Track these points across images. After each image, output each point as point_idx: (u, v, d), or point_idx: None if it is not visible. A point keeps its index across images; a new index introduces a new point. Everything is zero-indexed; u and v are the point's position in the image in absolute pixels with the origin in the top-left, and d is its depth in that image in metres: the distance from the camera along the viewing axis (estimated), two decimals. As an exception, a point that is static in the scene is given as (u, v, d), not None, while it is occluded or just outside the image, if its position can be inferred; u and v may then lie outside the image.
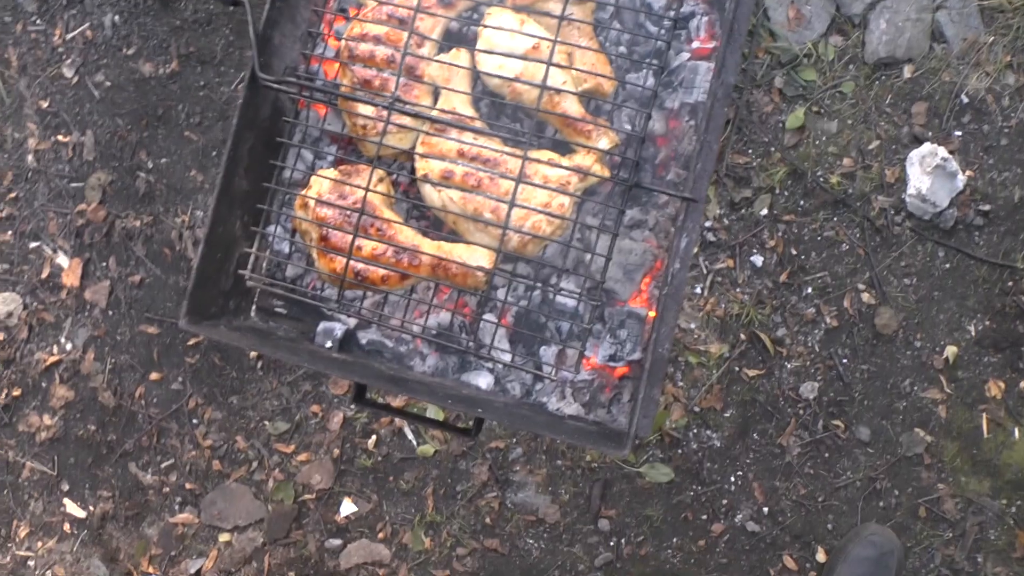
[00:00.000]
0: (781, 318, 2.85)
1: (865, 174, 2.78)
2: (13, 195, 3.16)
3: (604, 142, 1.51)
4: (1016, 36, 2.70)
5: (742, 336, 2.86)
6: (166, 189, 3.09)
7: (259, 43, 1.58)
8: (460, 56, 1.53)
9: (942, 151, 2.66)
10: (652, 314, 1.71)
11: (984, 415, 2.76)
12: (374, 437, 2.98)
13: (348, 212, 1.51)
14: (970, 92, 2.72)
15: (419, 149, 1.53)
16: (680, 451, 2.89)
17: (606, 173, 1.53)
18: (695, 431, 2.88)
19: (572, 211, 1.51)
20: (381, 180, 1.55)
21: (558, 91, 1.47)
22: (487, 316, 1.73)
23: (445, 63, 1.52)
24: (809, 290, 2.83)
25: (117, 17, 3.12)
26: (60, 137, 3.14)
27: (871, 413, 2.80)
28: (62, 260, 3.14)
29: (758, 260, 2.82)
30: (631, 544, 2.92)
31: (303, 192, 1.58)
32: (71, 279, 3.13)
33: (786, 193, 2.81)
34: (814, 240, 2.82)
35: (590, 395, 1.76)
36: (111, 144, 3.12)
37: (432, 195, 1.51)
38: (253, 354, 3.03)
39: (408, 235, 1.52)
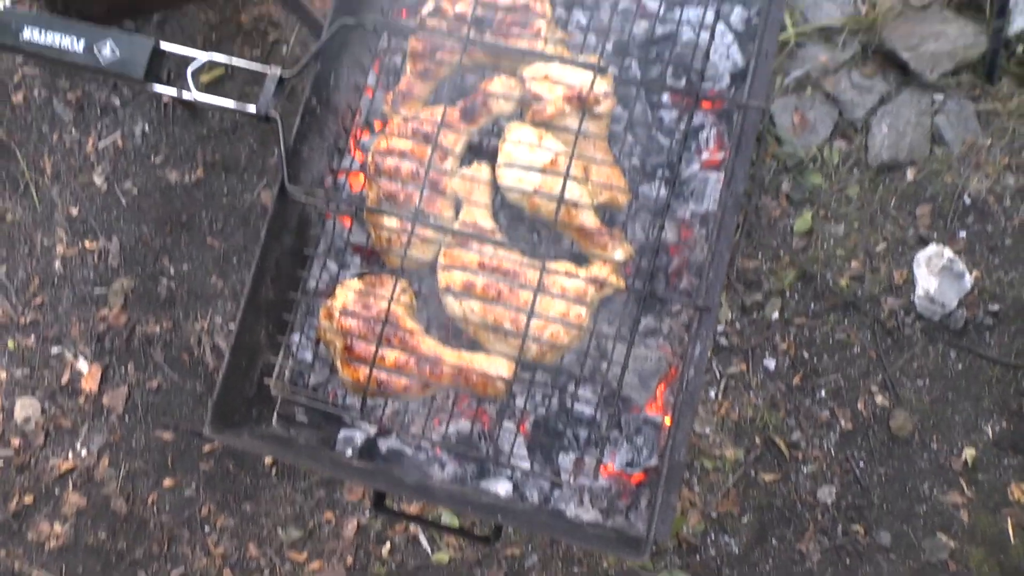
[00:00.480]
0: (795, 421, 2.85)
1: (874, 276, 2.82)
2: (39, 300, 3.22)
3: (619, 253, 1.56)
4: (1012, 138, 2.78)
5: (757, 440, 2.85)
6: (187, 295, 3.14)
7: (288, 157, 1.65)
8: (481, 170, 1.60)
9: (948, 252, 2.71)
10: (668, 421, 1.72)
11: (1009, 519, 2.72)
12: (388, 544, 2.95)
13: (372, 322, 1.55)
14: (972, 193, 2.78)
15: (441, 260, 1.57)
16: (698, 557, 2.85)
17: (622, 284, 1.57)
18: (712, 536, 2.85)
19: (589, 321, 1.54)
20: (404, 291, 1.59)
21: (575, 204, 1.53)
22: (506, 424, 1.75)
23: (467, 177, 1.58)
24: (823, 393, 2.84)
25: (147, 126, 3.25)
26: (87, 243, 3.22)
27: (891, 517, 2.77)
28: (82, 365, 3.18)
29: (771, 363, 2.84)
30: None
31: (328, 302, 1.62)
32: (90, 384, 3.16)
33: (796, 296, 2.85)
34: (826, 343, 2.84)
35: (608, 502, 1.76)
36: (136, 250, 3.19)
37: (454, 306, 1.55)
38: (268, 460, 3.03)
39: (430, 345, 1.55)
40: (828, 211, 2.85)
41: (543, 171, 1.52)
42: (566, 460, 1.75)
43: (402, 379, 1.54)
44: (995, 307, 2.75)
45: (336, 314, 1.58)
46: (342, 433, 1.81)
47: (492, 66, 1.66)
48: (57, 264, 3.24)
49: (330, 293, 1.82)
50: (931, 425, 2.78)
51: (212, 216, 3.18)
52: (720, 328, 2.85)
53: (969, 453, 2.74)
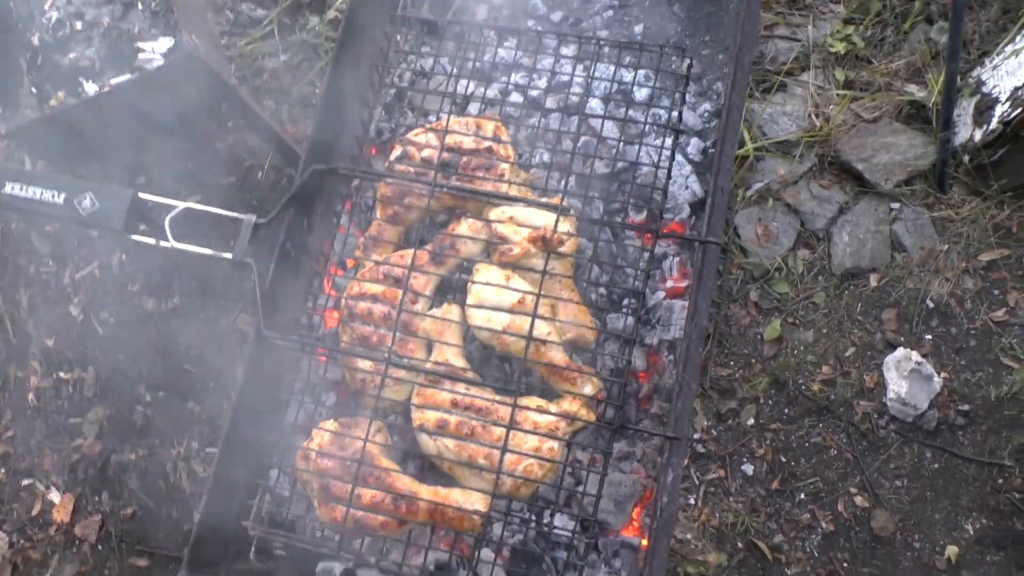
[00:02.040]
0: (777, 525, 2.85)
1: (845, 380, 2.87)
2: (11, 433, 3.20)
3: (588, 388, 1.60)
4: (967, 243, 2.88)
5: (739, 544, 2.85)
6: (163, 421, 3.14)
7: (264, 302, 1.69)
8: (452, 311, 1.64)
9: (915, 355, 2.77)
10: (645, 542, 1.73)
11: (992, 620, 2.72)
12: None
13: (348, 462, 1.57)
14: (934, 297, 2.86)
15: (415, 400, 1.60)
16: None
17: (592, 417, 1.60)
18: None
19: (561, 454, 1.57)
20: (379, 430, 1.62)
21: (544, 342, 1.57)
22: (484, 551, 1.75)
23: (438, 318, 1.62)
24: (802, 496, 2.85)
25: (124, 256, 3.29)
26: (62, 374, 3.23)
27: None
28: (54, 496, 3.14)
29: (749, 469, 2.86)
30: None
31: (305, 444, 1.64)
32: (62, 515, 3.12)
33: (770, 402, 2.89)
34: (802, 447, 2.87)
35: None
36: (112, 379, 3.20)
37: (428, 443, 1.57)
38: None
39: (405, 482, 1.57)
40: (796, 318, 2.92)
41: (511, 311, 1.57)
42: (544, 588, 1.75)
43: (379, 517, 1.55)
44: (965, 407, 2.80)
45: (312, 455, 1.60)
46: (320, 566, 1.81)
47: (459, 209, 1.73)
48: (31, 396, 3.23)
49: (307, 432, 1.84)
50: (912, 524, 2.79)
51: (188, 342, 3.20)
52: (696, 436, 2.88)
53: (952, 551, 2.75)
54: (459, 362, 1.61)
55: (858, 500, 2.83)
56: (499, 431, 1.54)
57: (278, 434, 1.85)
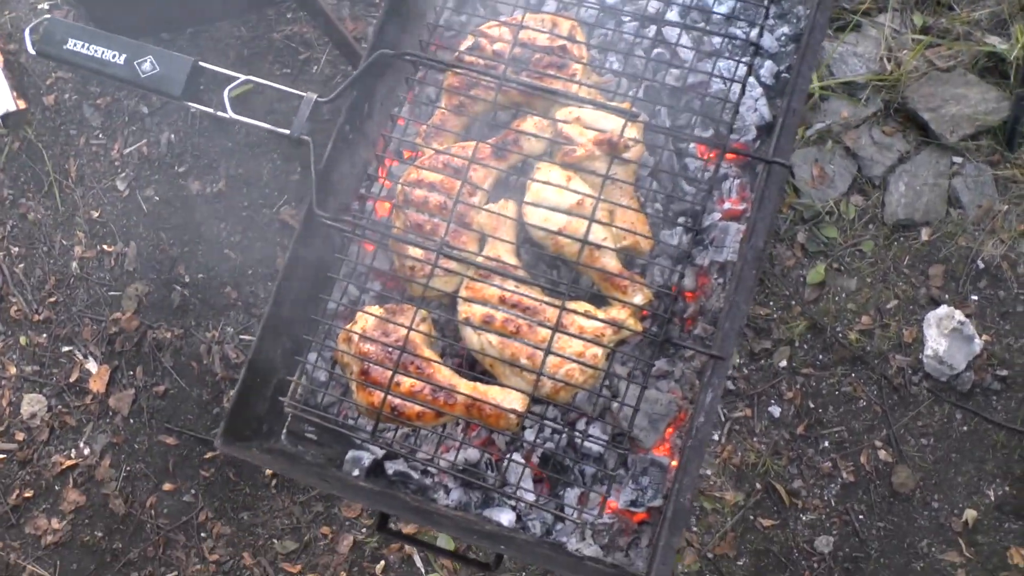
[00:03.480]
0: (797, 470, 2.85)
1: (883, 332, 2.84)
2: (53, 299, 3.26)
3: (639, 298, 1.58)
4: (1029, 208, 2.81)
5: (758, 485, 2.86)
6: (200, 304, 3.18)
7: (318, 181, 1.68)
8: (508, 207, 1.62)
9: (959, 314, 2.73)
10: (674, 463, 1.74)
11: (1004, 584, 2.73)
12: (383, 563, 2.96)
13: (390, 349, 1.57)
14: (986, 258, 2.80)
15: (463, 293, 1.60)
16: (692, 605, 2.85)
17: (639, 328, 1.59)
18: (707, 578, 2.85)
19: (604, 362, 1.56)
20: (423, 320, 1.62)
21: (598, 247, 1.55)
22: (515, 456, 1.77)
23: (494, 212, 1.61)
24: (826, 443, 2.85)
25: (173, 136, 3.29)
26: (105, 247, 3.26)
27: (888, 572, 2.77)
28: (91, 366, 3.20)
29: (776, 411, 2.85)
30: None
31: (348, 326, 1.64)
32: (98, 385, 3.19)
33: (805, 346, 2.87)
34: (832, 394, 2.86)
35: (609, 538, 1.77)
36: (152, 257, 3.23)
37: (472, 338, 1.57)
38: (268, 472, 3.04)
39: (446, 374, 1.57)
40: (841, 264, 2.87)
41: (569, 212, 1.55)
42: (571, 495, 1.76)
43: (416, 406, 1.55)
44: (1003, 372, 2.76)
45: (355, 338, 1.60)
46: (350, 454, 1.83)
47: (526, 105, 1.69)
48: (74, 265, 3.27)
49: (349, 317, 1.85)
50: (933, 484, 2.79)
51: (230, 228, 3.21)
52: (727, 372, 2.87)
53: (970, 514, 2.75)
54: (511, 259, 1.60)
55: (882, 454, 2.82)
56: (544, 332, 1.54)
57: (320, 315, 1.86)
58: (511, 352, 1.53)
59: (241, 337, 3.14)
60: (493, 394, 1.55)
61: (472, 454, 1.78)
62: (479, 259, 1.59)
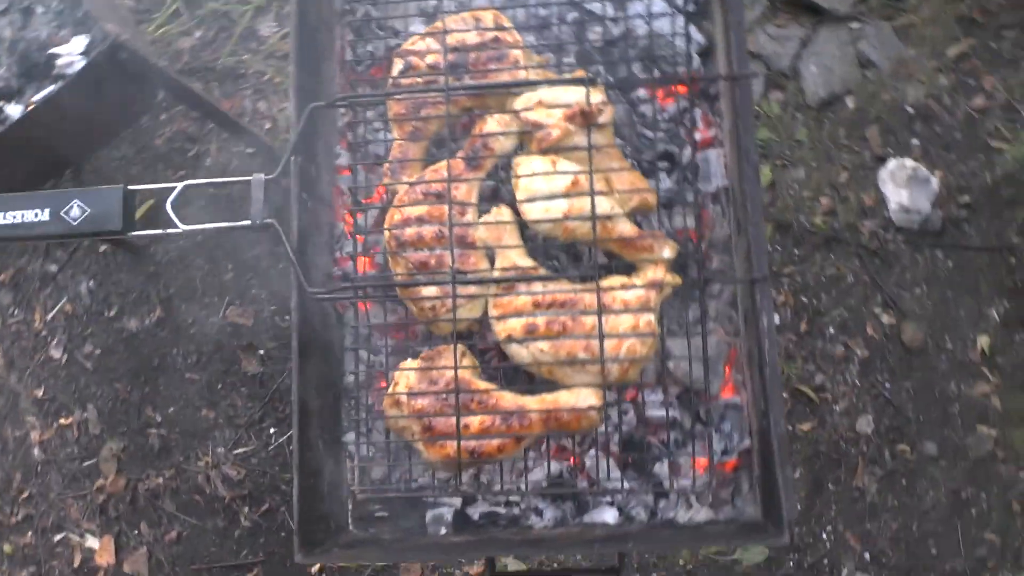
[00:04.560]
0: (815, 366, 2.88)
1: (845, 206, 2.89)
2: (26, 495, 3.04)
3: (667, 252, 1.54)
4: (933, 43, 2.89)
5: (784, 395, 2.87)
6: (180, 437, 3.02)
7: (299, 260, 1.59)
8: (503, 213, 1.56)
9: (908, 162, 2.79)
10: (747, 400, 1.71)
11: (1038, 392, 2.81)
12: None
13: (444, 395, 1.50)
14: (912, 103, 2.88)
15: (493, 312, 1.53)
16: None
17: (678, 280, 1.55)
18: (773, 500, 2.85)
19: (657, 327, 1.52)
20: (464, 354, 1.54)
21: (609, 217, 1.50)
22: (592, 452, 1.71)
23: (491, 223, 1.54)
24: (831, 330, 2.88)
25: (92, 282, 3.11)
26: (62, 420, 3.07)
27: (930, 426, 2.82)
28: (92, 543, 3.01)
29: (775, 319, 2.86)
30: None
31: (390, 391, 1.56)
32: (106, 558, 3.00)
33: (778, 248, 2.89)
34: (819, 282, 2.89)
35: (712, 496, 1.73)
36: (115, 411, 3.05)
37: (521, 352, 1.50)
38: (314, 569, 2.91)
39: (509, 399, 1.51)
40: (784, 159, 2.91)
41: (567, 195, 1.50)
42: (661, 468, 1.72)
43: (493, 441, 1.48)
44: (965, 199, 2.84)
45: (403, 399, 1.52)
46: (429, 515, 1.74)
47: (480, 108, 1.63)
48: (35, 452, 3.07)
49: (370, 385, 1.76)
50: (940, 327, 2.85)
51: (184, 351, 3.06)
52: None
53: (983, 341, 2.82)
54: (526, 262, 1.54)
55: (884, 319, 2.87)
56: (590, 320, 1.48)
57: (342, 394, 1.77)
58: (567, 351, 1.48)
59: (234, 453, 2.99)
60: (564, 399, 1.49)
61: (553, 468, 1.72)
62: (495, 274, 1.53)
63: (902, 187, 2.80)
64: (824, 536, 2.83)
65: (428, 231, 1.53)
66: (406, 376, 1.53)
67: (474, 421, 1.49)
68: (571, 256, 1.70)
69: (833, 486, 2.84)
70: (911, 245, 2.87)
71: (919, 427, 2.82)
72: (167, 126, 3.07)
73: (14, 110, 2.47)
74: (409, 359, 1.58)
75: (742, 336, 1.71)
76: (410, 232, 1.53)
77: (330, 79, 1.84)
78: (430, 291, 1.53)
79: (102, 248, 3.13)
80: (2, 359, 3.11)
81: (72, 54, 2.52)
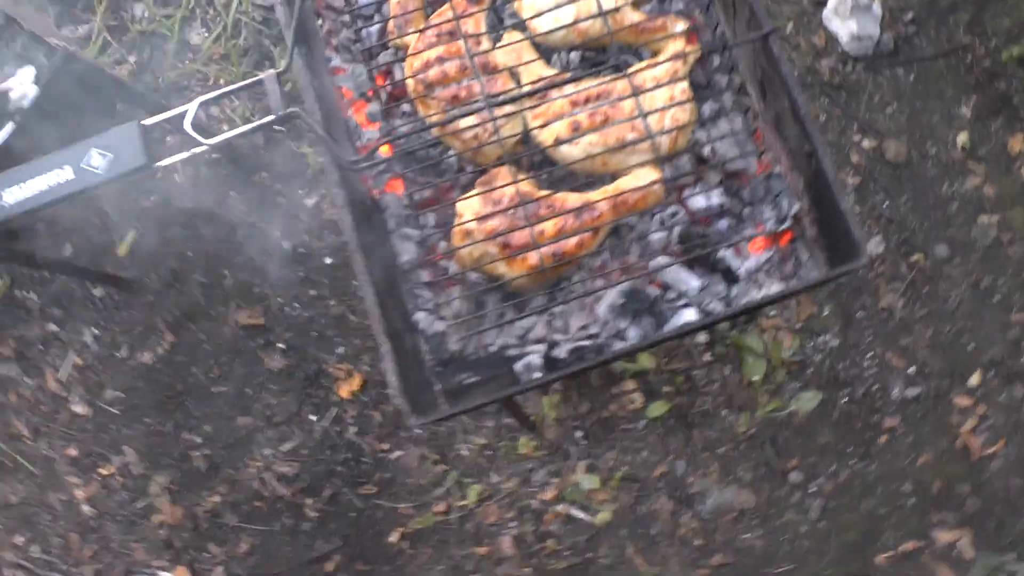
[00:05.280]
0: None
1: (799, 53, 3.00)
2: (89, 553, 2.96)
3: (680, 26, 1.60)
4: None
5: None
6: (224, 451, 2.97)
7: (330, 141, 1.60)
8: (514, 34, 1.61)
9: (846, -4, 2.90)
10: (783, 167, 1.76)
11: (1022, 170, 2.91)
12: (550, 541, 2.84)
13: (512, 210, 1.52)
14: (832, -60, 3.00)
15: (534, 123, 1.56)
16: (810, 371, 2.89)
17: (699, 48, 1.61)
18: (810, 344, 2.90)
19: (691, 93, 1.57)
20: (516, 169, 1.57)
21: (617, 9, 1.56)
22: (661, 259, 1.73)
23: (506, 45, 1.58)
24: (818, 167, 2.95)
25: (95, 329, 3.07)
26: (103, 471, 3.00)
27: (936, 230, 2.91)
28: (168, 577, 2.93)
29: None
30: (828, 479, 2.85)
31: (456, 225, 1.57)
32: (183, 587, 2.92)
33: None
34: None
35: (778, 271, 1.78)
36: (152, 445, 3.00)
37: (572, 152, 1.54)
38: (395, 537, 2.86)
39: (575, 198, 1.54)
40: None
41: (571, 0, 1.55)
42: (725, 256, 1.76)
43: (571, 240, 1.51)
44: (909, 16, 2.97)
45: (472, 227, 1.54)
46: (519, 365, 1.74)
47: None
48: (85, 508, 2.99)
49: (423, 259, 1.77)
50: (919, 137, 2.95)
51: (203, 368, 3.02)
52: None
53: (962, 138, 2.92)
54: (550, 70, 1.58)
55: (865, 144, 2.96)
56: (628, 104, 1.53)
57: (399, 278, 1.78)
58: (616, 137, 1.52)
59: (282, 450, 2.95)
60: (626, 183, 1.53)
61: (618, 292, 1.74)
62: (526, 88, 1.56)
63: (848, 19, 2.90)
64: (866, 364, 2.88)
65: (451, 66, 1.56)
66: (469, 205, 1.55)
67: (548, 226, 1.51)
68: (587, 63, 1.74)
69: (862, 313, 2.91)
70: (871, 71, 2.98)
71: (925, 234, 2.91)
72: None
73: (-22, 159, 2.45)
74: (466, 194, 1.60)
75: (763, 108, 1.77)
76: (434, 72, 1.56)
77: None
78: (468, 121, 1.56)
79: (96, 292, 3.09)
80: (27, 430, 3.03)
81: (22, 85, 2.50)
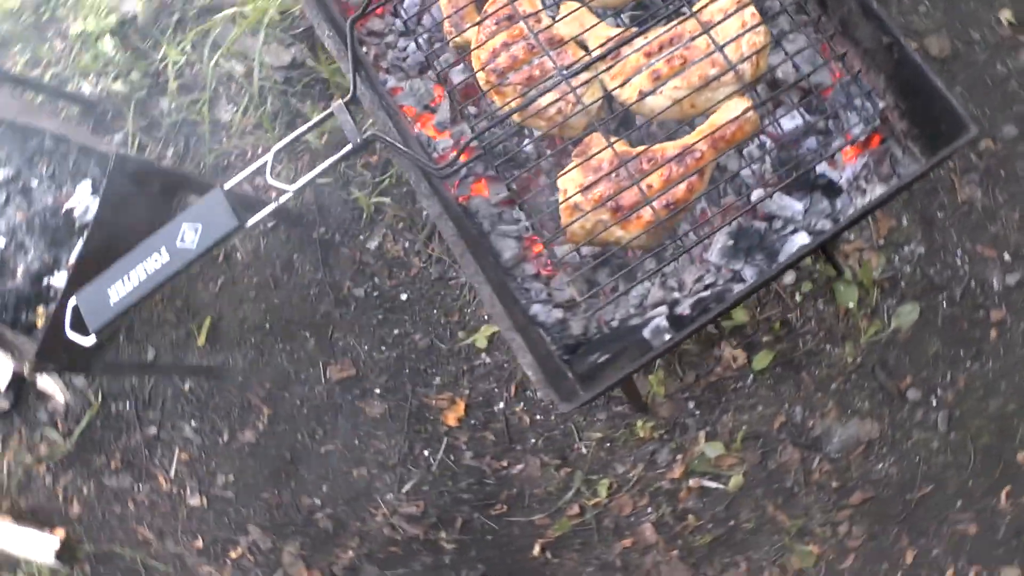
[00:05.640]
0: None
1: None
2: (238, 645, 2.95)
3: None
4: None
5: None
6: (347, 507, 2.96)
7: (412, 155, 1.59)
8: (570, 5, 1.60)
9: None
10: (859, 68, 1.73)
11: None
12: (690, 517, 2.80)
13: (614, 174, 1.51)
14: None
15: (611, 84, 1.55)
16: (903, 284, 2.84)
17: (758, -27, 1.60)
18: (897, 258, 2.85)
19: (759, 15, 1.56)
20: (607, 133, 1.56)
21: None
22: (755, 194, 1.71)
23: (566, 16, 1.58)
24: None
25: (193, 422, 3.08)
26: (233, 554, 3.00)
27: (999, 112, 2.86)
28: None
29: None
30: (947, 388, 2.79)
31: (561, 200, 1.56)
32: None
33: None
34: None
35: (876, 174, 1.75)
36: (275, 518, 3.00)
37: (659, 101, 1.53)
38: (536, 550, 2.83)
39: (672, 145, 1.52)
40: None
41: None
42: (822, 170, 1.73)
43: (680, 186, 1.49)
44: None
45: (579, 199, 1.52)
46: (646, 331, 1.72)
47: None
48: (223, 596, 2.99)
49: (526, 257, 1.76)
50: (959, 26, 2.89)
51: (307, 431, 3.02)
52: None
53: (1005, 15, 2.85)
54: (616, 30, 1.57)
55: (915, 44, 2.91)
56: (702, 41, 1.51)
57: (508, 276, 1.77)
58: (699, 76, 1.50)
59: (403, 492, 2.93)
60: (719, 118, 1.51)
61: (723, 238, 1.71)
62: (596, 52, 1.55)
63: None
64: (958, 263, 2.82)
65: (518, 49, 1.56)
66: (570, 179, 1.54)
67: (654, 179, 1.49)
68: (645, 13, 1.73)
69: (942, 214, 2.85)
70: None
71: (989, 120, 2.85)
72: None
73: (60, 279, 2.49)
74: (566, 172, 1.58)
75: (824, 20, 1.75)
76: (503, 59, 1.56)
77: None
78: (549, 98, 1.55)
79: (185, 386, 3.11)
80: (151, 534, 3.04)
81: (82, 201, 2.55)
